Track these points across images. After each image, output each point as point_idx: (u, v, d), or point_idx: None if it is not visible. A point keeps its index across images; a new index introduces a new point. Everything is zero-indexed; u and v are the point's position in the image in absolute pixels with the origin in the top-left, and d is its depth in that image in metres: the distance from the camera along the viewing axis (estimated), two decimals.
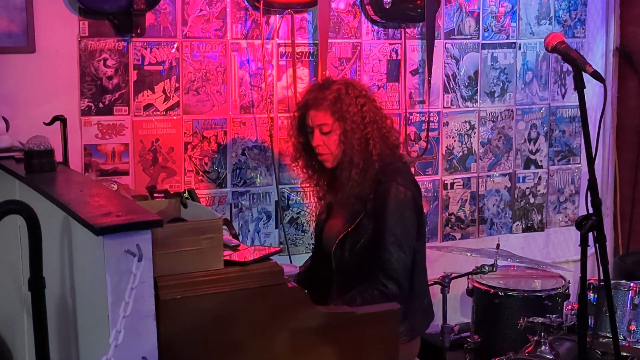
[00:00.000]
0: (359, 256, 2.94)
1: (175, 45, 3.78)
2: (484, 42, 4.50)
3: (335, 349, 2.42)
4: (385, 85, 4.24)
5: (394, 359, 2.56)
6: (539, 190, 4.76)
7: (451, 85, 4.43)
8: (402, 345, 2.84)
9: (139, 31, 3.60)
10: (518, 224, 4.73)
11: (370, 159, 2.92)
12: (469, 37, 4.45)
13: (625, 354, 3.38)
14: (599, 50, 4.87)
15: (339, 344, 2.43)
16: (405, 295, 2.89)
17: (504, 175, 4.66)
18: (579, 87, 2.44)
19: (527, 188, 4.72)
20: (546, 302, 3.76)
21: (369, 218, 2.92)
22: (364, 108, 2.95)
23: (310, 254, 3.37)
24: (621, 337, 3.46)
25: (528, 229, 4.76)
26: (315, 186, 3.19)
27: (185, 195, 2.61)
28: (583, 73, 2.42)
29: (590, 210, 2.45)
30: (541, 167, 4.75)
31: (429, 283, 3.54)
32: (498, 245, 3.77)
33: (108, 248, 2.01)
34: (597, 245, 2.47)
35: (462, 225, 4.56)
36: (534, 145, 4.72)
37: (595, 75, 2.40)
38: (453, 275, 3.63)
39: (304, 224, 4.14)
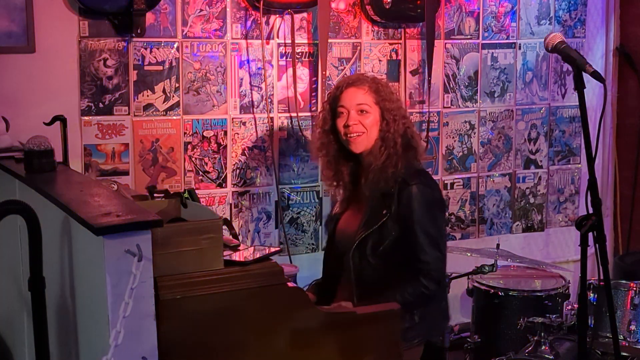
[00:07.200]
0: (381, 259, 2.88)
1: (175, 45, 3.78)
2: (484, 42, 4.50)
3: (335, 349, 2.42)
4: None
5: (394, 359, 2.56)
6: (539, 190, 4.76)
7: (451, 85, 4.43)
8: (415, 349, 2.86)
9: (139, 31, 3.60)
10: (518, 224, 4.73)
11: (403, 151, 2.93)
12: (469, 37, 4.45)
13: (625, 354, 3.38)
14: (599, 50, 4.87)
15: (339, 344, 2.43)
16: (443, 291, 2.96)
17: (504, 175, 4.66)
18: (579, 87, 2.44)
19: (527, 188, 4.73)
20: (546, 302, 3.76)
21: (394, 221, 2.86)
22: (399, 103, 3.02)
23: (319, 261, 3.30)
24: (621, 337, 3.46)
25: (528, 229, 4.76)
26: (333, 179, 3.08)
27: (185, 195, 2.61)
28: (583, 73, 2.42)
29: (590, 210, 2.45)
30: (541, 167, 4.76)
31: None
32: (498, 245, 3.77)
33: (108, 248, 2.01)
34: (597, 245, 2.47)
35: (462, 225, 4.56)
36: (534, 145, 4.72)
37: (595, 75, 2.40)
38: (453, 275, 3.63)
39: (304, 224, 4.14)
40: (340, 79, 3.17)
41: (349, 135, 2.93)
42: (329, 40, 4.04)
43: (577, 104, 2.45)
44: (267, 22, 3.93)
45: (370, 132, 2.92)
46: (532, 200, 4.75)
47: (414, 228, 2.83)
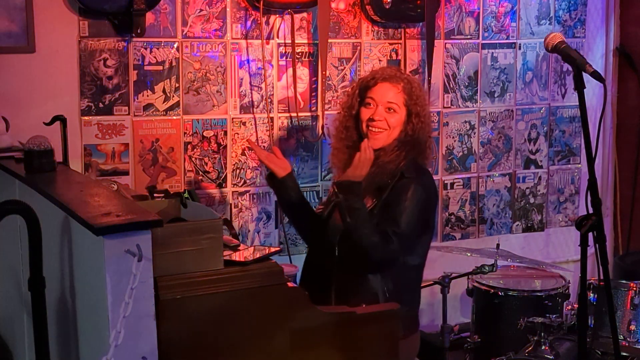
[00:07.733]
0: None
1: (175, 45, 3.78)
2: (484, 42, 4.50)
3: (335, 349, 2.42)
4: None
5: (394, 359, 2.56)
6: (539, 190, 4.76)
7: (451, 85, 4.43)
8: (401, 341, 2.85)
9: (139, 31, 3.60)
10: (518, 224, 4.73)
11: (413, 155, 2.92)
12: (469, 37, 4.45)
13: (625, 354, 3.38)
14: (599, 50, 4.87)
15: (339, 344, 2.43)
16: (400, 256, 2.86)
17: (504, 175, 4.66)
18: (579, 87, 2.44)
19: (527, 188, 4.72)
20: (546, 302, 3.76)
21: (380, 208, 2.86)
22: (427, 109, 3.00)
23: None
24: (621, 337, 3.46)
25: (528, 229, 4.76)
26: (346, 164, 3.01)
27: (185, 195, 2.61)
28: (583, 73, 2.42)
29: (590, 210, 2.45)
30: (541, 167, 4.75)
31: (429, 283, 3.54)
32: (498, 245, 3.77)
33: (108, 248, 2.02)
34: (597, 245, 2.47)
35: (462, 225, 4.56)
36: (534, 145, 4.72)
37: (595, 75, 2.39)
38: (453, 275, 3.63)
39: None
40: (376, 69, 3.11)
41: (370, 129, 2.93)
42: (329, 40, 4.03)
43: (577, 104, 2.44)
44: (267, 22, 3.93)
45: (392, 131, 2.92)
46: (532, 200, 4.75)
47: (390, 215, 2.83)
